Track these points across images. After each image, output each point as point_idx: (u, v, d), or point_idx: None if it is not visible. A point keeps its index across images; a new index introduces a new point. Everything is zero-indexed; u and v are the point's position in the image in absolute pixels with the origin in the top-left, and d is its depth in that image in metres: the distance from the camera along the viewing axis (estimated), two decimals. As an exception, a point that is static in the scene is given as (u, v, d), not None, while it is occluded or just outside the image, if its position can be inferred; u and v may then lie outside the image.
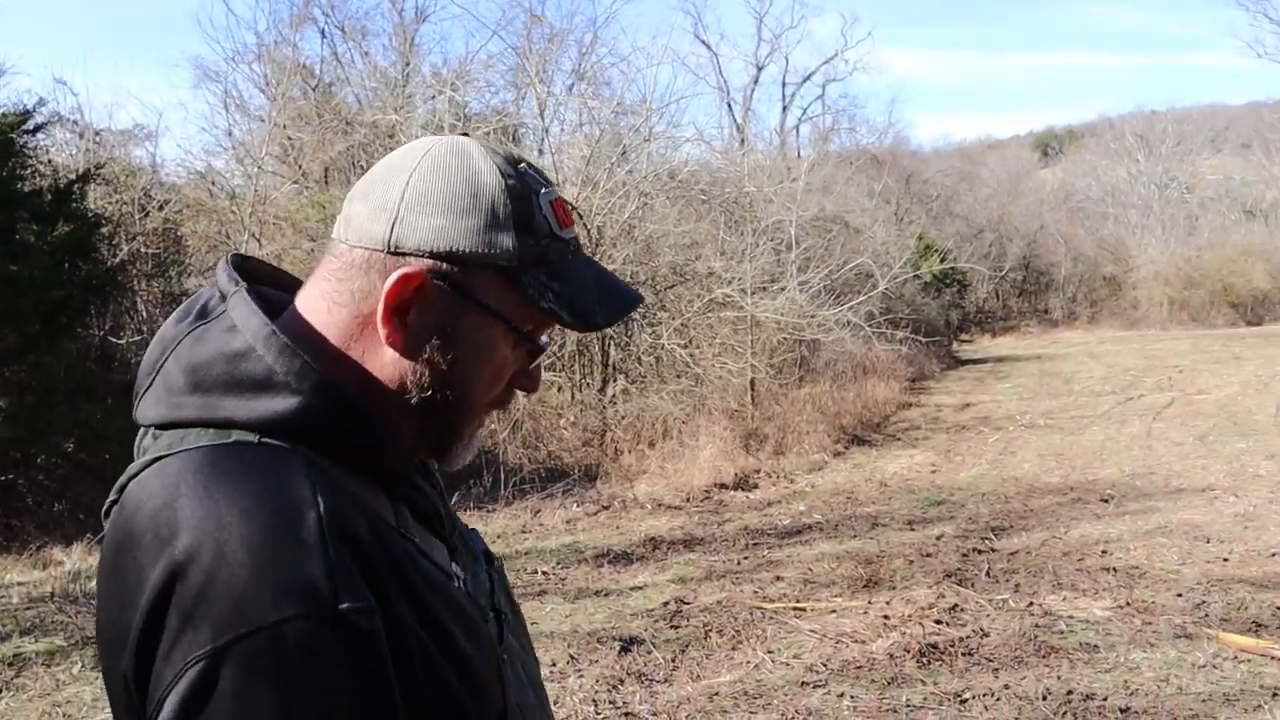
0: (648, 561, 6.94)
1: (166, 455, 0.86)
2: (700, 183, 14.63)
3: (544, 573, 6.66)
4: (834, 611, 5.67)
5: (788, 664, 4.90)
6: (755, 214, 14.10)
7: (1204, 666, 4.68)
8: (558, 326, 0.99)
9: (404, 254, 0.91)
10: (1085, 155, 51.30)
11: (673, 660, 4.98)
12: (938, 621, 5.36)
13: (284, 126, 14.95)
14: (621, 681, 4.71)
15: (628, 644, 5.18)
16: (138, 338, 9.75)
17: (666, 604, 5.90)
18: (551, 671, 4.82)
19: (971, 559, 6.65)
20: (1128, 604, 5.59)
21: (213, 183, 12.53)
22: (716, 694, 4.54)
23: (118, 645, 0.82)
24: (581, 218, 11.56)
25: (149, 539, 0.81)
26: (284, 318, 0.95)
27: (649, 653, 5.06)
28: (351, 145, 14.91)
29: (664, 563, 6.89)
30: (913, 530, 7.61)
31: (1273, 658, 4.77)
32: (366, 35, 18.97)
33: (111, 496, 0.89)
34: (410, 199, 0.92)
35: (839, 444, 11.71)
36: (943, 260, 23.58)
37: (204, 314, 0.94)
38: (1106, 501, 8.39)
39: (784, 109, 34.62)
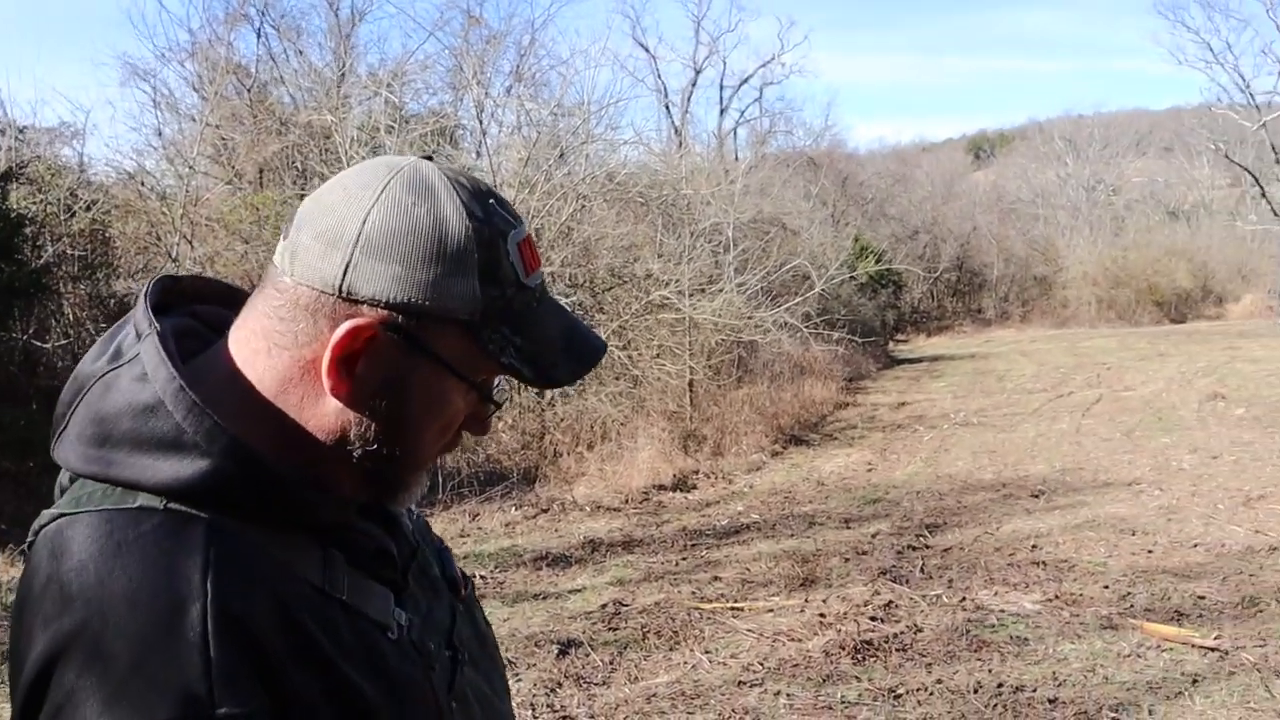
0: (586, 564, 6.94)
1: (71, 513, 0.83)
2: (638, 185, 14.66)
3: (482, 576, 6.62)
4: (771, 610, 5.72)
5: (725, 664, 4.93)
6: (693, 216, 14.16)
7: (1129, 656, 4.80)
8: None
9: (357, 301, 0.85)
10: (1016, 158, 52.35)
11: (611, 662, 4.99)
12: (873, 619, 5.43)
13: (217, 126, 14.70)
14: (559, 685, 4.71)
15: (566, 647, 5.18)
16: (64, 341, 9.52)
17: (605, 606, 5.90)
18: (489, 676, 4.80)
19: (906, 556, 6.75)
20: (1056, 597, 5.72)
21: (142, 183, 12.26)
22: (654, 695, 4.56)
23: (13, 695, 0.81)
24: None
25: (42, 606, 0.79)
26: (204, 362, 0.90)
27: (587, 655, 5.07)
28: (286, 146, 14.72)
29: (602, 565, 6.90)
30: (849, 529, 7.70)
31: (1193, 645, 4.91)
32: (302, 34, 18.71)
33: (29, 538, 0.86)
34: (366, 241, 0.85)
35: (777, 444, 11.80)
36: (878, 261, 23.87)
37: (118, 355, 0.88)
38: (1037, 497, 8.56)
39: (722, 112, 34.85)
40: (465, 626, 1.05)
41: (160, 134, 16.19)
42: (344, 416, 0.88)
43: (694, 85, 33.92)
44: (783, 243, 16.54)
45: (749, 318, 13.15)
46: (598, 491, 9.16)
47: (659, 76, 33.65)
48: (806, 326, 14.77)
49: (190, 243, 11.28)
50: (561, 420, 10.97)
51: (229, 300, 0.99)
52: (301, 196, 13.97)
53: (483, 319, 0.88)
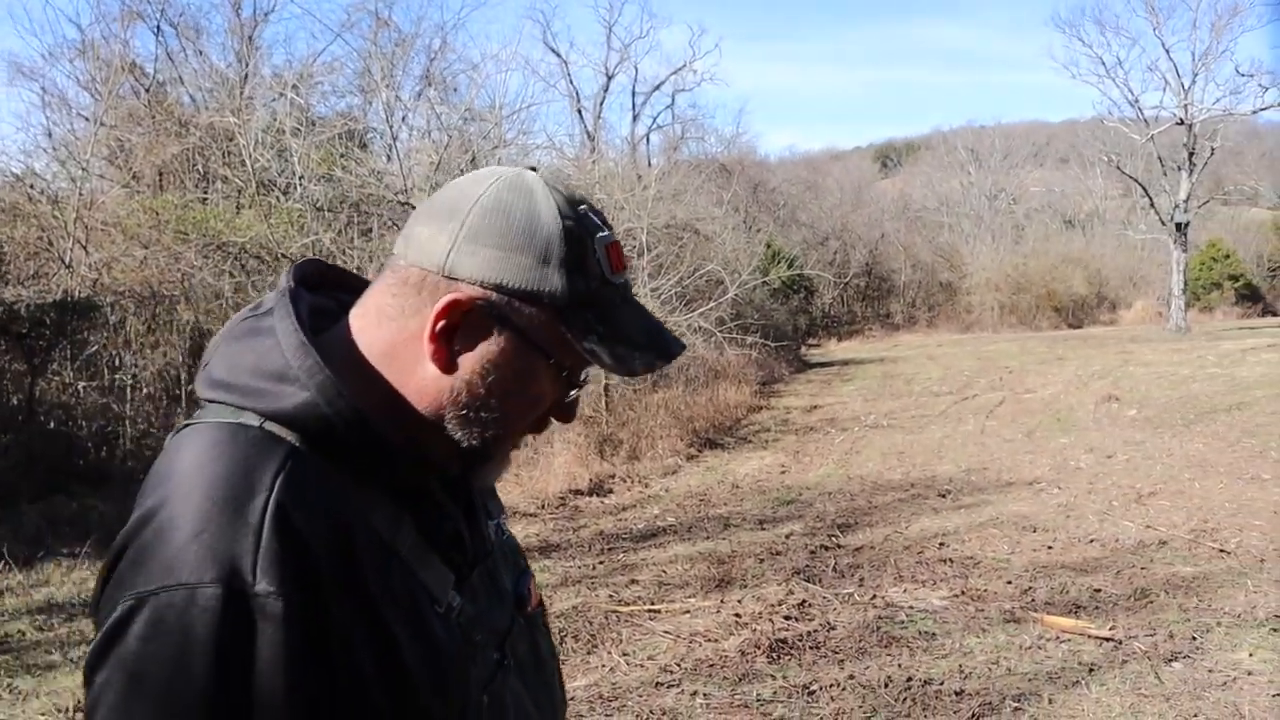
0: (503, 570, 6.92)
1: (191, 424, 0.96)
2: (551, 190, 14.65)
3: (397, 585, 6.56)
4: (687, 612, 5.78)
5: (642, 665, 4.97)
6: (607, 221, 14.20)
7: (1029, 648, 4.98)
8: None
9: (457, 280, 0.96)
10: (922, 167, 53.67)
11: (529, 667, 4.99)
12: (787, 617, 5.53)
13: (113, 126, 14.26)
14: (478, 690, 4.69)
15: (484, 653, 5.17)
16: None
17: (522, 611, 5.90)
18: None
19: (819, 556, 6.88)
20: (963, 593, 5.89)
21: (31, 185, 11.82)
22: (572, 699, 4.58)
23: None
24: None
25: (149, 487, 0.91)
26: (329, 333, 1.01)
27: (505, 660, 5.06)
28: (187, 148, 14.35)
29: (519, 570, 6.88)
30: (764, 530, 7.81)
31: (1089, 636, 5.11)
32: (202, 34, 18.24)
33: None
34: (469, 229, 0.96)
35: (692, 447, 11.91)
36: (790, 267, 24.22)
37: (257, 307, 1.02)
38: (944, 496, 8.80)
39: (634, 118, 34.99)
40: (522, 640, 1.11)
41: (50, 135, 15.65)
42: (440, 384, 0.98)
43: (606, 91, 34.01)
44: (696, 248, 16.68)
45: (664, 322, 13.24)
46: (514, 498, 9.13)
47: (571, 82, 33.67)
48: (720, 331, 14.93)
49: (85, 248, 10.93)
50: (476, 426, 10.91)
51: (356, 289, 1.10)
52: (204, 200, 13.68)
53: (569, 305, 0.97)
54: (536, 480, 9.42)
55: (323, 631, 0.87)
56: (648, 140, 34.85)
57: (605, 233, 1.01)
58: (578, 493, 9.40)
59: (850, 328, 34.70)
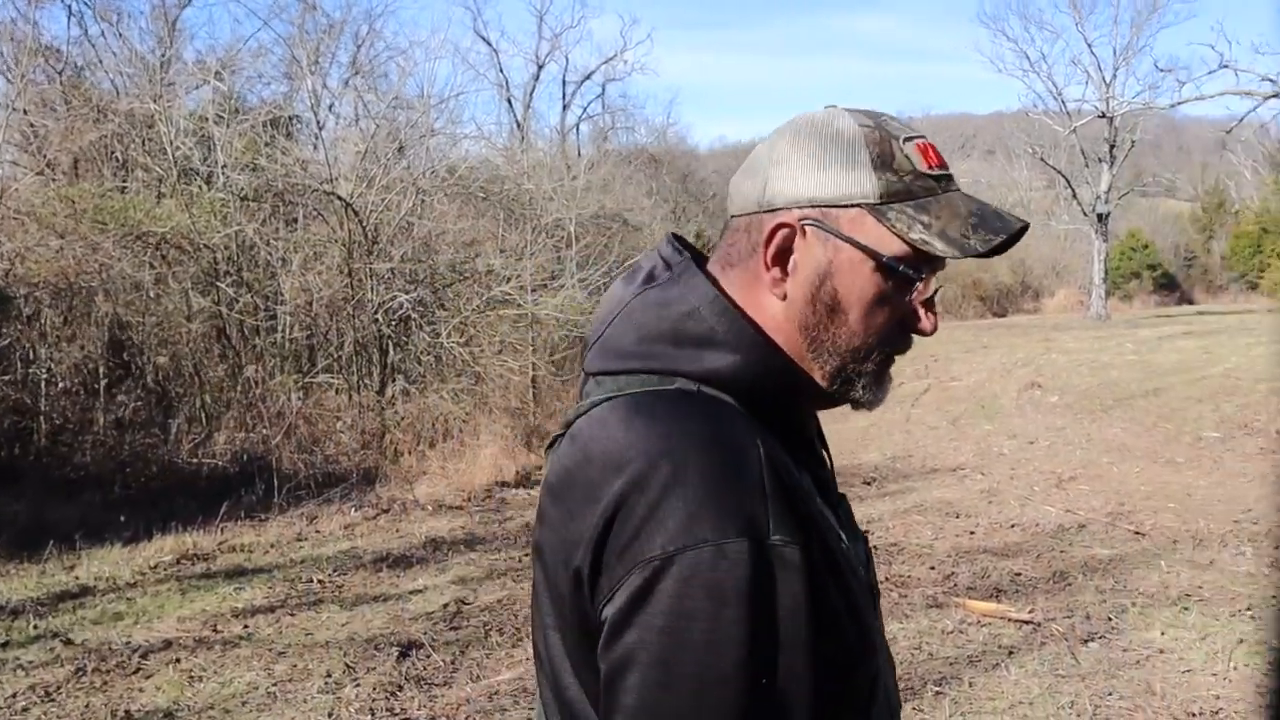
0: (428, 564, 6.84)
1: (616, 396, 0.99)
2: (480, 180, 14.52)
3: (320, 581, 6.44)
4: (613, 603, 5.75)
5: (568, 657, 4.94)
6: (535, 211, 14.12)
7: (951, 632, 5.04)
8: (946, 267, 1.05)
9: (776, 209, 1.01)
10: (850, 158, 54.16)
11: (452, 662, 4.93)
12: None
13: (25, 112, 13.78)
14: (400, 688, 4.62)
15: (406, 649, 5.10)
16: None
17: (447, 605, 5.83)
18: (327, 683, 4.67)
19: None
20: (887, 579, 5.95)
21: (-62, 173, 11.38)
22: (496, 693, 4.53)
23: (568, 546, 0.95)
24: (352, 215, 11.26)
25: (602, 462, 0.93)
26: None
27: (428, 656, 4.99)
28: (105, 135, 13.92)
29: (445, 564, 6.81)
30: (690, 520, 7.82)
31: (1010, 620, 5.19)
32: (122, 17, 17.69)
33: (558, 431, 1.04)
34: (775, 161, 1.02)
35: (621, 438, 11.89)
36: (719, 257, 24.32)
37: (650, 279, 1.05)
38: (869, 484, 8.89)
39: (564, 107, 34.83)
40: (871, 572, 1.14)
41: (-44, 120, 15.06)
42: (790, 311, 1.02)
43: (537, 80, 33.81)
44: (624, 238, 16.65)
45: (591, 313, 13.20)
46: (440, 490, 9.03)
47: (501, 71, 33.42)
48: (649, 321, 14.91)
49: (-4, 237, 10.55)
50: (402, 419, 10.76)
51: (699, 260, 1.13)
52: (123, 189, 13.29)
53: (883, 201, 0.99)
54: (462, 473, 9.33)
55: (815, 574, 0.92)
56: (578, 130, 34.74)
57: (913, 136, 1.03)
58: (504, 484, 9.33)
59: (780, 317, 34.97)
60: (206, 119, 13.39)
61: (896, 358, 1.07)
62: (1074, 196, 30.57)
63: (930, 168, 1.01)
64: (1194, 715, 3.97)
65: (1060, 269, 39.77)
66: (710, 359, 0.98)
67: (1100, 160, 29.21)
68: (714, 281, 1.05)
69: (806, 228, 1.01)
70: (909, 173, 1.00)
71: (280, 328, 11.49)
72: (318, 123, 15.57)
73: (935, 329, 1.06)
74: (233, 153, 12.91)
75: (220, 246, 11.28)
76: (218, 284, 11.13)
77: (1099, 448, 10.22)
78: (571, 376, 13.30)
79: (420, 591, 6.18)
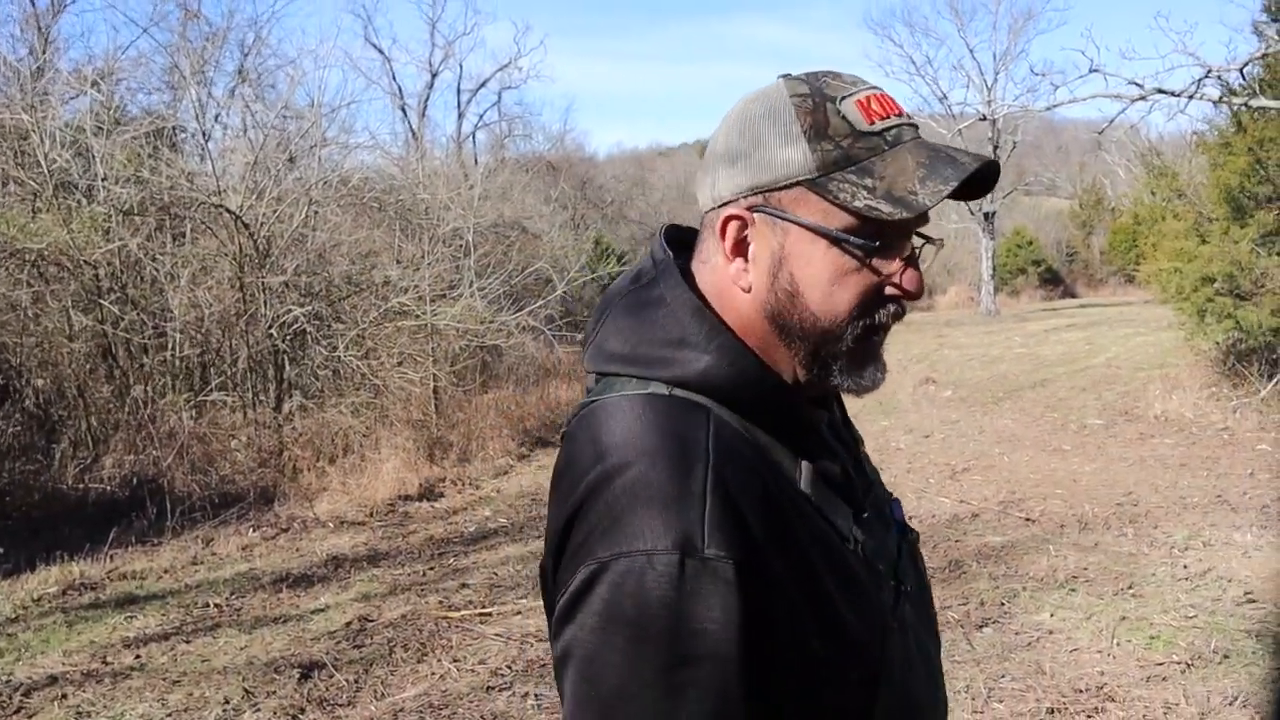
0: (330, 582, 6.71)
1: (600, 399, 1.01)
2: (374, 190, 14.31)
3: (217, 605, 6.27)
4: (519, 613, 5.74)
5: (474, 670, 4.91)
6: (432, 221, 13.97)
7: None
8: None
9: (725, 203, 1.02)
10: (746, 162, 54.83)
11: (356, 681, 4.85)
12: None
13: (-118, 127, 13.11)
14: (302, 710, 4.53)
15: (308, 670, 5.00)
16: None
17: (350, 624, 5.74)
18: (225, 710, 4.56)
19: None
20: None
21: None
22: (401, 710, 4.48)
23: (547, 544, 1.04)
24: (242, 228, 11.00)
25: (576, 466, 0.98)
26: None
27: (331, 676, 4.91)
28: (-27, 149, 13.33)
29: (347, 581, 6.69)
30: (595, 526, 7.83)
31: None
32: (-10, 26, 16.99)
33: (566, 427, 1.06)
34: (720, 152, 1.03)
35: (523, 447, 11.83)
36: (619, 262, 24.40)
37: (638, 279, 1.07)
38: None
39: (460, 115, 34.55)
40: (909, 565, 1.14)
41: None
42: (756, 303, 1.02)
43: (431, 88, 33.49)
44: (523, 246, 16.59)
45: (491, 322, 13.11)
46: (341, 506, 8.87)
47: (394, 79, 33.09)
48: (550, 329, 14.89)
49: None
50: (300, 435, 10.53)
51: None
52: (-7, 204, 12.70)
53: (822, 173, 0.97)
54: (364, 487, 9.17)
55: (767, 587, 0.92)
56: (474, 138, 34.50)
57: (852, 91, 0.99)
58: (407, 498, 9.20)
59: (682, 321, 35.17)
60: (84, 130, 12.92)
61: (884, 331, 1.05)
62: (961, 196, 31.40)
63: (872, 123, 0.97)
64: (1081, 691, 4.12)
65: (951, 267, 40.81)
66: (682, 362, 0.99)
67: (985, 161, 30.08)
68: (691, 281, 1.05)
69: (755, 216, 1.00)
70: (846, 135, 0.97)
71: (170, 345, 11.14)
72: (204, 133, 15.16)
73: (919, 288, 1.02)
74: (114, 165, 12.48)
75: (103, 263, 10.90)
76: (101, 301, 10.75)
77: (991, 439, 10.54)
78: (473, 386, 13.21)
79: (322, 611, 6.06)
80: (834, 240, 0.97)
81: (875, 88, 1.01)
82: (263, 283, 11.01)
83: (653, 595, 0.89)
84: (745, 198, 1.00)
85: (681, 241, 1.13)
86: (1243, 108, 11.27)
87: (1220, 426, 10.08)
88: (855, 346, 1.02)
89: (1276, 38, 11.17)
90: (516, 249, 15.96)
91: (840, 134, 0.97)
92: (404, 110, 32.66)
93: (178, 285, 11.11)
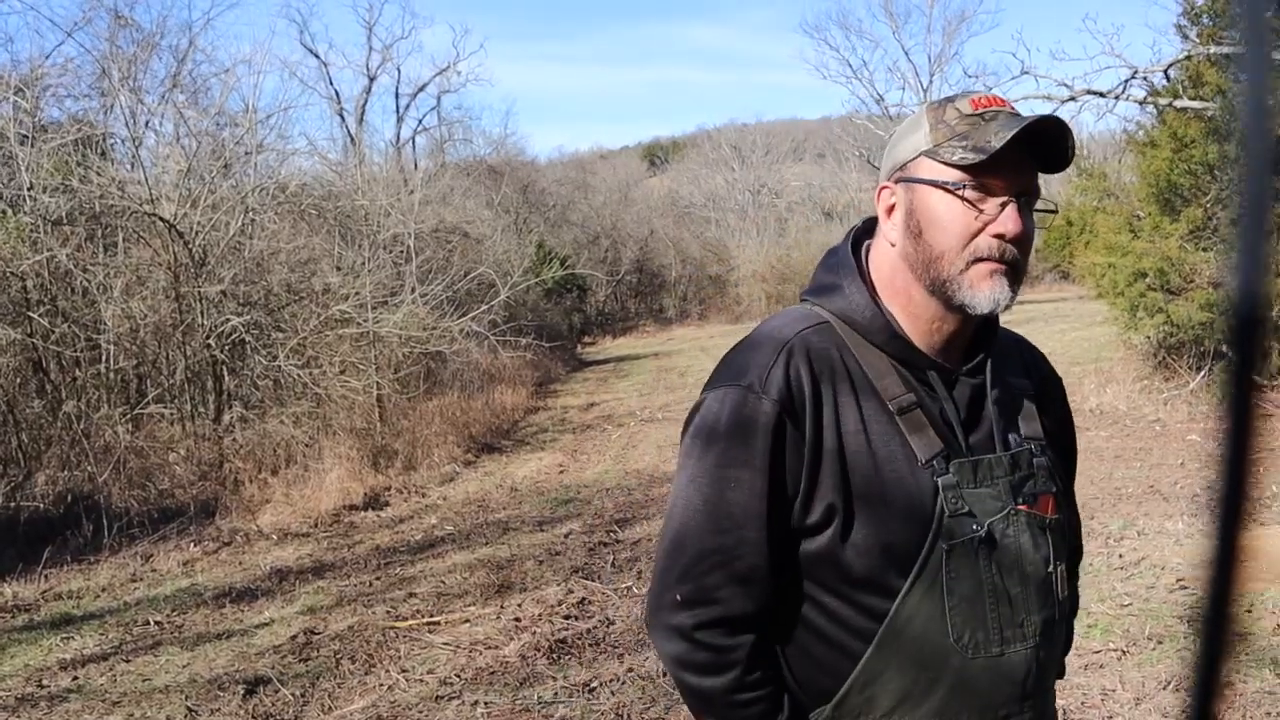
0: (274, 595, 6.63)
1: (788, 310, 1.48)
2: (313, 196, 14.14)
3: (157, 622, 6.15)
4: (467, 621, 5.71)
5: (422, 680, 4.87)
6: (372, 227, 13.85)
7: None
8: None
9: (882, 184, 1.40)
10: (688, 164, 55.01)
11: (302, 695, 4.80)
12: (566, 617, 5.55)
13: None
14: (247, 725, 4.47)
15: (253, 686, 4.93)
16: None
17: (295, 637, 5.67)
18: (167, 727, 4.48)
19: (598, 552, 6.95)
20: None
21: None
22: (349, 722, 4.44)
23: None
24: (177, 236, 10.81)
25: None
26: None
27: (276, 691, 4.85)
28: (-109, 159, 12.93)
29: (291, 594, 6.61)
30: (542, 531, 7.82)
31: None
32: (-94, 34, 16.47)
33: None
34: (886, 151, 1.42)
35: (469, 453, 11.78)
36: (562, 266, 24.36)
37: (833, 251, 1.49)
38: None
39: (399, 120, 34.27)
40: (1016, 532, 1.34)
41: None
42: (897, 252, 1.37)
43: (369, 93, 33.19)
44: (465, 251, 16.51)
45: (434, 328, 13.02)
46: (284, 518, 8.76)
47: (331, 84, 32.69)
48: (494, 334, 14.82)
49: None
50: (241, 446, 10.38)
51: None
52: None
53: (935, 144, 1.32)
54: (308, 498, 9.07)
55: (797, 425, 1.30)
56: (413, 143, 34.24)
57: (970, 93, 1.35)
58: (352, 508, 9.11)
59: (624, 324, 35.20)
60: (8, 138, 12.61)
61: (991, 261, 1.30)
62: (900, 196, 31.83)
63: (975, 109, 1.31)
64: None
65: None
66: (829, 297, 1.41)
67: (922, 161, 30.53)
68: (855, 247, 1.46)
69: (896, 186, 1.37)
70: (956, 118, 1.31)
71: (104, 358, 10.91)
72: (135, 141, 14.87)
73: (1015, 228, 1.29)
74: (40, 174, 12.20)
75: (31, 274, 10.64)
76: (30, 314, 10.49)
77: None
78: (418, 393, 13.11)
79: (266, 625, 5.98)
80: (941, 186, 1.31)
81: (992, 91, 1.40)
82: (199, 292, 10.84)
83: (722, 414, 1.33)
84: (892, 173, 1.38)
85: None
86: (1168, 108, 11.57)
87: (1152, 418, 10.33)
88: (968, 270, 1.31)
89: (1197, 40, 11.48)
90: (458, 254, 15.88)
91: (952, 119, 1.32)
92: (342, 115, 32.33)
93: (110, 296, 10.89)
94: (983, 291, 1.31)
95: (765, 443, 1.29)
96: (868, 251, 1.45)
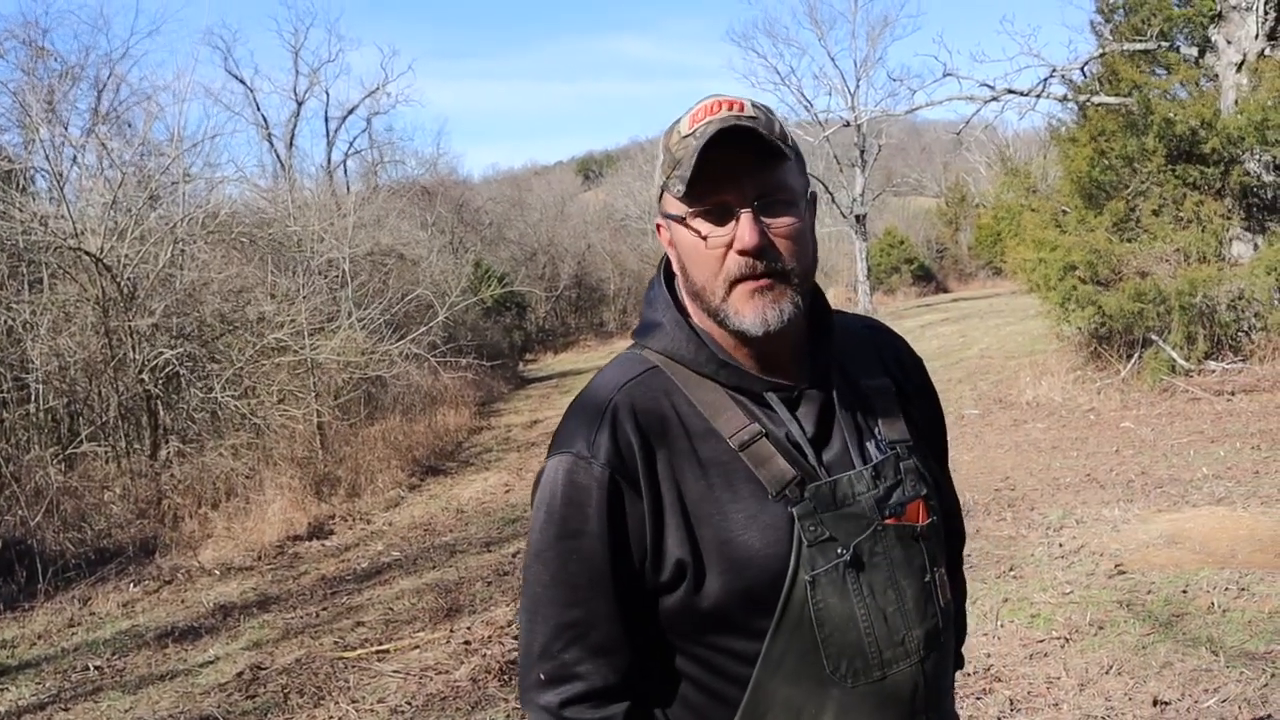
0: (219, 632, 6.50)
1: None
2: (244, 224, 13.95)
3: (97, 667, 6.00)
4: (417, 647, 5.65)
5: (373, 710, 4.82)
6: (306, 253, 13.69)
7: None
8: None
9: (658, 221, 1.38)
10: (622, 177, 55.05)
11: (250, 732, 4.71)
12: (516, 637, 5.51)
13: None
14: (193, 767, 4.38)
15: (199, 725, 4.83)
16: None
17: (241, 674, 5.57)
18: (111, 773, 4.37)
19: (547, 570, 6.91)
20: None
21: None
22: (299, 757, 4.36)
23: None
24: (104, 270, 10.60)
25: None
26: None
27: (223, 729, 4.75)
28: None
29: (236, 630, 6.49)
30: (490, 552, 7.77)
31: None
32: None
33: None
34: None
35: (414, 477, 11.67)
36: (501, 284, 24.27)
37: (650, 284, 1.45)
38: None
39: (329, 144, 33.96)
40: (886, 547, 1.30)
41: None
42: (682, 285, 1.36)
43: (297, 117, 32.87)
44: (402, 273, 16.39)
45: (373, 353, 12.91)
46: (227, 552, 8.60)
47: (258, 109, 32.30)
48: (434, 355, 14.72)
49: None
50: (180, 481, 10.18)
51: None
52: None
53: (665, 176, 1.31)
54: (250, 531, 8.92)
55: (631, 485, 1.26)
56: (345, 167, 33.95)
57: (693, 107, 1.30)
58: (296, 538, 8.98)
59: (566, 339, 35.09)
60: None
61: (745, 282, 1.27)
62: (833, 200, 32.24)
63: (692, 128, 1.26)
64: (969, 675, 4.26)
65: (829, 269, 41.71)
66: (651, 334, 1.37)
67: (853, 165, 30.97)
68: (671, 278, 1.41)
69: (661, 220, 1.35)
70: (676, 143, 1.28)
71: (33, 397, 10.66)
72: (58, 175, 14.57)
73: (752, 239, 1.25)
74: (-43, 212, 11.89)
75: (-50, 316, 10.36)
76: (-47, 357, 10.22)
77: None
78: (359, 419, 12.96)
79: (211, 663, 5.87)
80: (677, 220, 1.30)
81: (717, 96, 1.30)
82: (130, 326, 10.63)
83: (557, 484, 1.28)
84: (657, 209, 1.36)
85: None
86: (1087, 103, 11.86)
87: (1087, 408, 10.54)
88: (729, 296, 1.28)
89: (1111, 37, 11.79)
90: (395, 277, 15.76)
91: (674, 145, 1.29)
92: (270, 141, 31.96)
93: (37, 334, 10.64)
94: (748, 315, 1.27)
95: (601, 509, 1.25)
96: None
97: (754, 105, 1.29)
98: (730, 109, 1.27)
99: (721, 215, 1.26)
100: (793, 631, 1.25)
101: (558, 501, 1.27)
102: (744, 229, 1.25)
